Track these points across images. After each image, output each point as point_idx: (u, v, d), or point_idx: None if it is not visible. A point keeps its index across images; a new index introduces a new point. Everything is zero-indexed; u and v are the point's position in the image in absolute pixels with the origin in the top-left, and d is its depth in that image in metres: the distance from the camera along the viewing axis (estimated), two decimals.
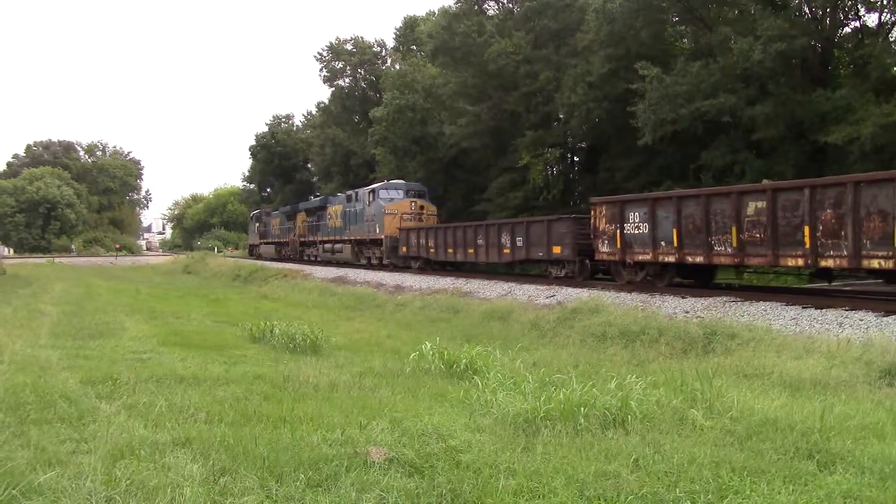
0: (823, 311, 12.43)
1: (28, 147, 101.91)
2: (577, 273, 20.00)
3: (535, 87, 30.54)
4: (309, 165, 63.51)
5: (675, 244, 16.03)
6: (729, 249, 14.84)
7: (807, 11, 23.29)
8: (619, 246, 17.70)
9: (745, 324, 12.07)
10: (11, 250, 74.49)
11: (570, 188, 32.40)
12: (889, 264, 11.91)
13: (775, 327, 11.82)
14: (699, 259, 15.67)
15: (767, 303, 13.69)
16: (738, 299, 14.42)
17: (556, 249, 20.31)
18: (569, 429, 5.74)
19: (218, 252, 71.53)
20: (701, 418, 5.96)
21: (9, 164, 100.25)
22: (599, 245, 18.45)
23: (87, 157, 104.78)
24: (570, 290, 18.17)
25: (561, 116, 31.35)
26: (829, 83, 21.92)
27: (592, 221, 18.78)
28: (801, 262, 13.59)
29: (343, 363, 10.15)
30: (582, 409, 6.03)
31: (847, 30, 23.79)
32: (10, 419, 6.05)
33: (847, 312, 12.03)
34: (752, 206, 14.40)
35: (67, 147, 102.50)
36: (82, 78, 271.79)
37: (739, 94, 21.50)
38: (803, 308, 12.84)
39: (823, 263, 13.17)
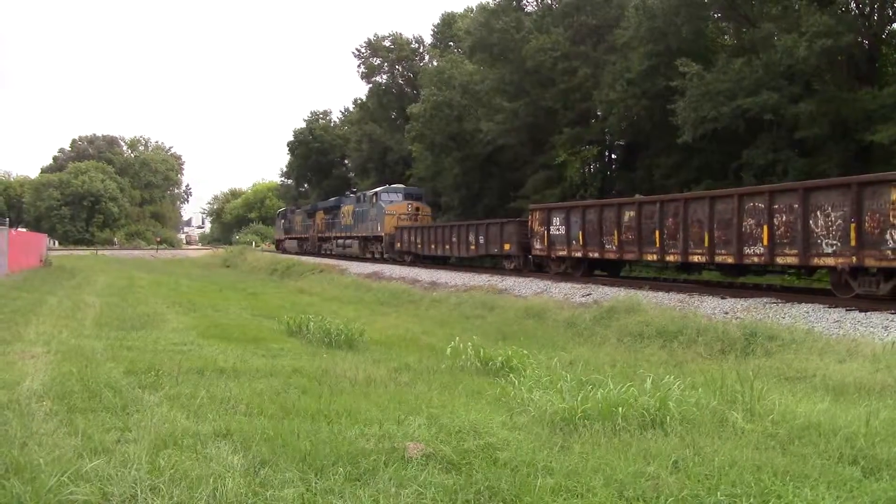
0: (868, 314, 12.15)
1: (73, 141, 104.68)
2: (522, 266, 24.11)
3: (573, 83, 30.31)
4: (346, 161, 63.91)
5: (581, 243, 20.19)
6: (613, 247, 18.96)
7: (854, 8, 22.74)
8: (546, 244, 21.87)
9: (787, 325, 11.84)
10: (56, 242, 76.19)
11: (607, 186, 32.07)
12: (703, 259, 16.08)
13: (817, 329, 11.58)
14: (596, 255, 19.73)
15: (809, 304, 13.43)
16: (779, 300, 14.17)
17: (507, 246, 24.71)
18: (606, 429, 5.69)
19: (255, 247, 72.52)
20: (741, 421, 5.86)
21: (55, 159, 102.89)
22: (534, 243, 22.65)
23: (129, 151, 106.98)
24: (606, 288, 18.10)
25: (599, 113, 31.13)
26: (876, 81, 21.37)
27: (530, 224, 22.84)
28: (654, 257, 17.59)
29: (379, 358, 10.19)
30: (620, 408, 5.96)
31: (895, 27, 23.20)
32: (59, 407, 6.20)
33: (893, 316, 11.73)
34: (627, 215, 18.30)
35: (111, 141, 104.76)
36: (126, 73, 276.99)
37: (783, 92, 21.03)
38: (847, 310, 12.57)
39: (667, 258, 17.21)
